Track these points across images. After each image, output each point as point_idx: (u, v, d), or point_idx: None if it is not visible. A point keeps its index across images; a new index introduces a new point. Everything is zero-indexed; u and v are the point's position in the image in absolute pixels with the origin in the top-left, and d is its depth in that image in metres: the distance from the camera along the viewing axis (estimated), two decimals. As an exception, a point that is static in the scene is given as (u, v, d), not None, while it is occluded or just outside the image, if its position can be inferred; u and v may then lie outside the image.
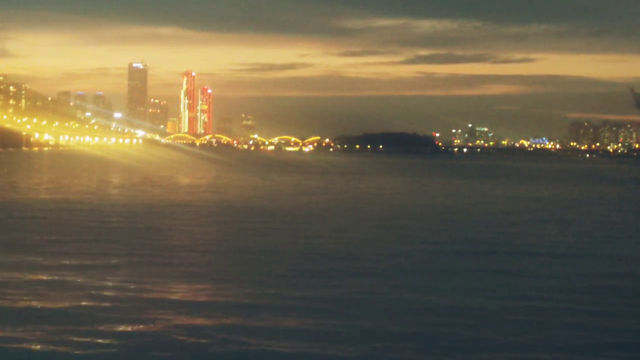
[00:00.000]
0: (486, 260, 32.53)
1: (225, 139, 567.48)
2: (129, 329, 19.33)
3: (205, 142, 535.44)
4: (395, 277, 27.65)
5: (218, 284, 25.55)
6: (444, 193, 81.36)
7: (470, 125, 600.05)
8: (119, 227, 40.79)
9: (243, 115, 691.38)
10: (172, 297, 23.30)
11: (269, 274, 27.46)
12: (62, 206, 52.44)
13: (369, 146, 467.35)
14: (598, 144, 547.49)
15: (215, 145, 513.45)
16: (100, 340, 18.20)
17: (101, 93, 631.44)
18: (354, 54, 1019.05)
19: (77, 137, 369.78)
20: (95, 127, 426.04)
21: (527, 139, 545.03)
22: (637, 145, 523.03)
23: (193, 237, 37.67)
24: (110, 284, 25.00)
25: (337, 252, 33.29)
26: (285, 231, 40.90)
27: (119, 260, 29.73)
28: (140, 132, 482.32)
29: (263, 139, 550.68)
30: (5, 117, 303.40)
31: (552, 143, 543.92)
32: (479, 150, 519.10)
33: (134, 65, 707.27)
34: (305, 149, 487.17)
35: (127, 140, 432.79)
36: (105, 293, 23.47)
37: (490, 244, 37.34)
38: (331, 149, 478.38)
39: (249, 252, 32.91)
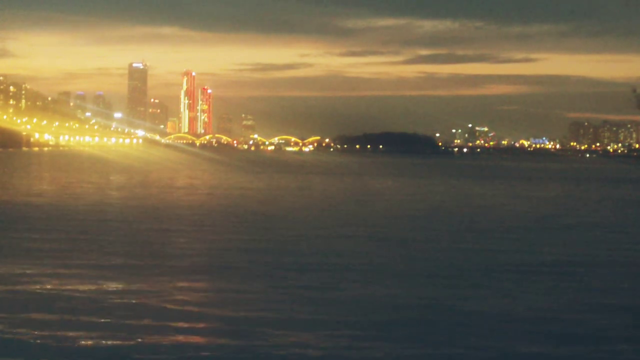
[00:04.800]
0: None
1: (225, 139, 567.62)
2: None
3: (206, 142, 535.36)
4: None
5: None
6: (476, 195, 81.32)
7: (470, 125, 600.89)
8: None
9: (243, 115, 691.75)
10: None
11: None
12: (49, 209, 52.43)
13: (369, 146, 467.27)
14: (598, 144, 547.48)
15: (216, 145, 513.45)
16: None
17: (101, 93, 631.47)
18: (355, 54, 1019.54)
19: (77, 137, 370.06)
20: (95, 127, 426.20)
21: (527, 139, 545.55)
22: (637, 145, 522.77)
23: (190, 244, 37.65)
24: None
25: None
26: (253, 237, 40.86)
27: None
28: (140, 132, 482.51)
29: (263, 139, 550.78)
30: (5, 117, 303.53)
31: (552, 143, 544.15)
32: (478, 150, 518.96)
33: (134, 65, 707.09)
34: (305, 149, 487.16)
35: (127, 140, 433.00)
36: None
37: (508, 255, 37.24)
38: (331, 149, 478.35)
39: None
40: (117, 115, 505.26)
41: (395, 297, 24.46)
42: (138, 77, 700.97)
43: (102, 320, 20.54)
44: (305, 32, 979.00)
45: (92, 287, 24.85)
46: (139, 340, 18.78)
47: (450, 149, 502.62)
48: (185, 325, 20.35)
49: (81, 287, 24.80)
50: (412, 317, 21.85)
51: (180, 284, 25.88)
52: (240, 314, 21.61)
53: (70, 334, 19.12)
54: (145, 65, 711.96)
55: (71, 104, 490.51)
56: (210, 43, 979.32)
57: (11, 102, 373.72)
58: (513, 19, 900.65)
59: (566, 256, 34.61)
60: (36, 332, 19.18)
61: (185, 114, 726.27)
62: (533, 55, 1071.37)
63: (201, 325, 20.45)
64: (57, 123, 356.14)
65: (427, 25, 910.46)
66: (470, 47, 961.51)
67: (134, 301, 22.92)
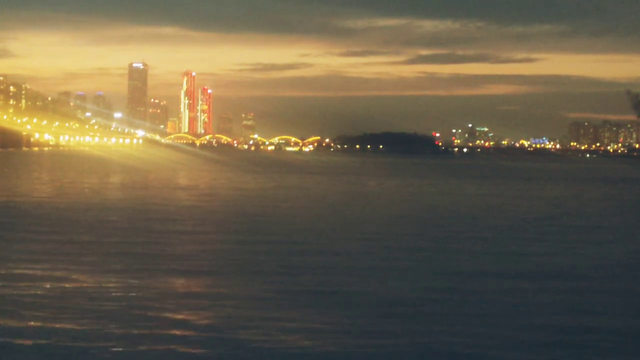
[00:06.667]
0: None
1: (225, 139, 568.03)
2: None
3: (206, 142, 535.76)
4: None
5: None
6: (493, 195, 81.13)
7: (470, 125, 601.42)
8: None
9: (243, 115, 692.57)
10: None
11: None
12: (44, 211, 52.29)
13: (369, 146, 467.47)
14: (598, 144, 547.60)
15: (216, 145, 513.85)
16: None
17: (101, 93, 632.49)
18: (355, 54, 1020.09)
19: (77, 137, 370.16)
20: (96, 127, 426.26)
21: (527, 139, 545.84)
22: (637, 145, 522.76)
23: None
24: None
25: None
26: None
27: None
28: (140, 132, 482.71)
29: (263, 139, 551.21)
30: (5, 117, 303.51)
31: (552, 143, 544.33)
32: (479, 150, 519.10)
33: (134, 65, 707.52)
34: (306, 149, 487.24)
35: (127, 140, 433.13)
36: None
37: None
38: (331, 149, 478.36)
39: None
40: (117, 115, 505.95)
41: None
42: (138, 77, 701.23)
43: (101, 323, 20.44)
44: (305, 32, 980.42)
45: (92, 289, 24.73)
46: (137, 346, 18.66)
47: (450, 149, 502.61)
48: (184, 330, 20.25)
49: (80, 289, 24.68)
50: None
51: (180, 288, 25.78)
52: (240, 319, 21.51)
53: (69, 337, 19.03)
54: (145, 65, 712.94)
55: (71, 104, 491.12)
56: (210, 43, 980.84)
57: (11, 102, 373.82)
58: (513, 19, 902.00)
59: (566, 260, 34.49)
60: (33, 336, 19.09)
61: (185, 114, 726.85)
62: (533, 55, 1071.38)
63: (200, 332, 20.33)
64: (57, 123, 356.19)
65: (428, 25, 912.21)
66: (470, 47, 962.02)
67: (132, 305, 22.79)
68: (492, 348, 18.89)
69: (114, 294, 23.91)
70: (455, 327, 20.63)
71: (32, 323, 20.06)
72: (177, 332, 19.61)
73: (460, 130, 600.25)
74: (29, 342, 18.39)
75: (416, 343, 19.14)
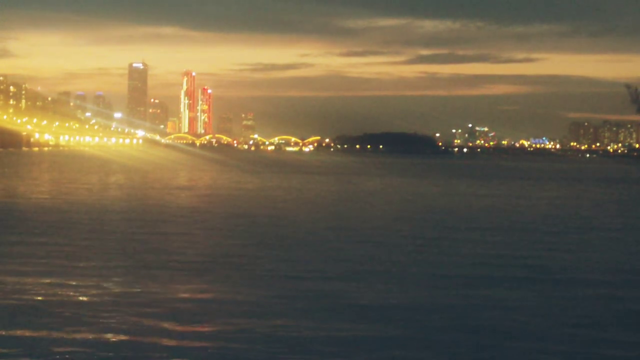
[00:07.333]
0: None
1: (225, 139, 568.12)
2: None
3: (206, 142, 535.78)
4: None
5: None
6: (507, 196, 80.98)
7: (470, 125, 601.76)
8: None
9: (243, 115, 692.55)
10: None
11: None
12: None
13: (369, 146, 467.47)
14: (598, 144, 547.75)
15: (216, 145, 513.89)
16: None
17: (101, 93, 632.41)
18: (355, 54, 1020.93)
19: (77, 137, 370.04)
20: (96, 127, 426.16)
21: (527, 139, 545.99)
22: (637, 145, 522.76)
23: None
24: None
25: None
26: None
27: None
28: (140, 132, 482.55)
29: (263, 139, 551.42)
30: (5, 117, 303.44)
31: (552, 143, 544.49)
32: (479, 150, 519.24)
33: (134, 65, 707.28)
34: (306, 149, 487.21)
35: (127, 141, 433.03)
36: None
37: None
38: (331, 149, 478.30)
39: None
40: (117, 115, 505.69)
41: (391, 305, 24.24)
42: (138, 77, 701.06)
43: (96, 330, 20.33)
44: (305, 32, 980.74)
45: (89, 294, 24.61)
46: (131, 355, 18.56)
47: (450, 149, 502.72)
48: (183, 334, 20.15)
49: (78, 294, 24.57)
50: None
51: (179, 293, 25.66)
52: (240, 322, 21.40)
53: (66, 341, 18.92)
54: (145, 65, 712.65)
55: (71, 104, 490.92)
56: (210, 43, 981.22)
57: (11, 102, 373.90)
58: (513, 19, 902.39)
59: (565, 260, 34.38)
60: (28, 340, 18.98)
61: (185, 114, 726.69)
62: (533, 55, 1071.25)
63: (199, 336, 20.22)
64: (57, 123, 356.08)
65: (428, 25, 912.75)
66: (470, 47, 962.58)
67: (129, 311, 22.68)
68: (493, 355, 18.81)
69: (110, 300, 23.75)
70: (456, 333, 20.55)
71: (26, 330, 19.94)
72: (173, 342, 19.51)
73: (460, 130, 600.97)
74: (21, 350, 18.26)
75: (415, 349, 19.06)
